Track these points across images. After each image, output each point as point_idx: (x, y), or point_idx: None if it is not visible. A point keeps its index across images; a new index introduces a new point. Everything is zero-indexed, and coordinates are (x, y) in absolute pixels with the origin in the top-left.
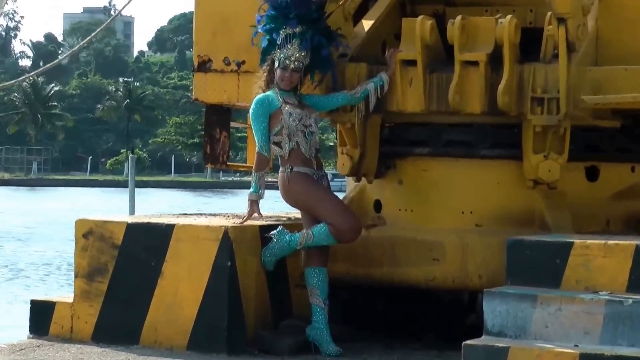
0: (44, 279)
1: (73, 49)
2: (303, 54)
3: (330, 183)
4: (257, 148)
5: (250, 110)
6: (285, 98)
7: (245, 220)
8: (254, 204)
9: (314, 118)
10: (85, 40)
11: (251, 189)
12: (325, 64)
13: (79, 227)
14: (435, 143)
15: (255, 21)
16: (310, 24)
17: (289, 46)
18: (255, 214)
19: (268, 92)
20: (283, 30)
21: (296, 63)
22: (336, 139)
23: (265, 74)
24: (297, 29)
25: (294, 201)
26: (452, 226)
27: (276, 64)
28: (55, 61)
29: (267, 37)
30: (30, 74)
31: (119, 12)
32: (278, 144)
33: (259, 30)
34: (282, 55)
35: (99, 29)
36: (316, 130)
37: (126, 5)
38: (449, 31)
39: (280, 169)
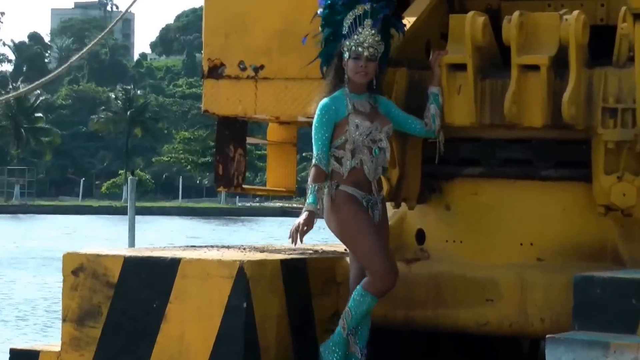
0: (26, 319)
1: (72, 59)
2: (377, 38)
3: None
4: (314, 160)
5: (315, 116)
6: (355, 103)
7: (296, 232)
8: (311, 214)
9: (386, 132)
10: (87, 47)
11: (309, 200)
12: (384, 58)
13: (67, 262)
14: (489, 162)
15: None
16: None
17: (359, 30)
18: (306, 227)
19: (336, 94)
20: (351, 13)
21: (371, 50)
22: None
23: (331, 74)
24: (367, 6)
25: (332, 228)
26: (509, 261)
27: (345, 55)
28: (53, 73)
29: (329, 27)
30: (20, 92)
31: (124, 14)
32: (339, 160)
33: (318, 14)
34: (352, 42)
35: (102, 35)
36: (387, 146)
37: (132, 5)
38: (505, 30)
39: (327, 183)
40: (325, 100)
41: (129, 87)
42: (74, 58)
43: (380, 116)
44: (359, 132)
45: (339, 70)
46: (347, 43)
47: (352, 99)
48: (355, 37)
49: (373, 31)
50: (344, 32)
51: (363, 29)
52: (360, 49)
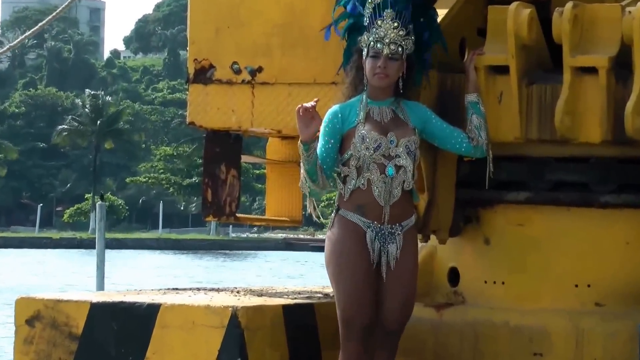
0: None
1: (12, 43)
2: (402, 32)
3: None
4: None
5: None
6: (371, 111)
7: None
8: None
9: (406, 146)
10: (33, 30)
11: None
12: (421, 61)
13: (21, 309)
14: (537, 185)
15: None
16: None
17: (378, 22)
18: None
19: (353, 99)
20: (370, 0)
21: (392, 47)
22: None
23: (351, 73)
24: None
25: (325, 262)
26: (562, 306)
27: (364, 53)
28: None
29: (350, 18)
30: None
31: None
32: (344, 179)
33: (339, 5)
34: (371, 37)
35: (57, 11)
36: (408, 164)
37: None
38: (556, 24)
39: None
40: (334, 107)
41: (97, 92)
42: (14, 42)
43: (403, 127)
44: (364, 145)
45: (360, 70)
46: (366, 38)
47: (369, 106)
48: (375, 30)
49: (395, 24)
50: (365, 23)
51: (383, 21)
52: (379, 45)
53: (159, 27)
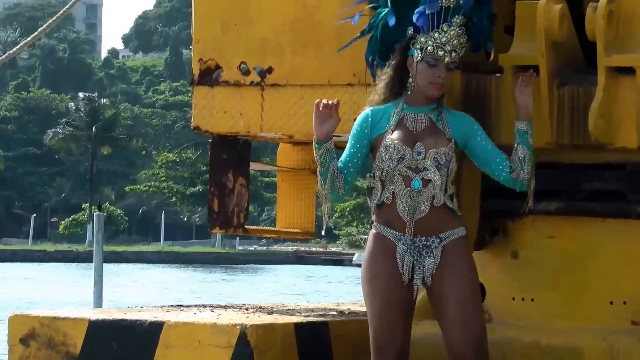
0: None
1: (11, 52)
2: (463, 40)
3: None
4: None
5: None
6: (406, 117)
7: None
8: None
9: (435, 158)
10: (32, 36)
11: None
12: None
13: (15, 327)
14: (569, 195)
15: None
16: None
17: (444, 27)
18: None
19: (389, 104)
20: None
21: (453, 55)
22: None
23: (388, 73)
24: None
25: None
26: (595, 324)
27: (416, 55)
28: None
29: (392, 12)
30: None
31: None
32: (370, 190)
33: None
34: (430, 41)
35: (57, 17)
36: (436, 178)
37: None
38: (589, 21)
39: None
40: (367, 110)
41: (94, 95)
42: (11, 51)
43: (437, 137)
44: (388, 155)
45: (401, 72)
46: (422, 40)
47: (404, 111)
48: (437, 35)
49: (461, 31)
50: (417, 20)
51: (449, 27)
52: (440, 52)
53: (160, 25)
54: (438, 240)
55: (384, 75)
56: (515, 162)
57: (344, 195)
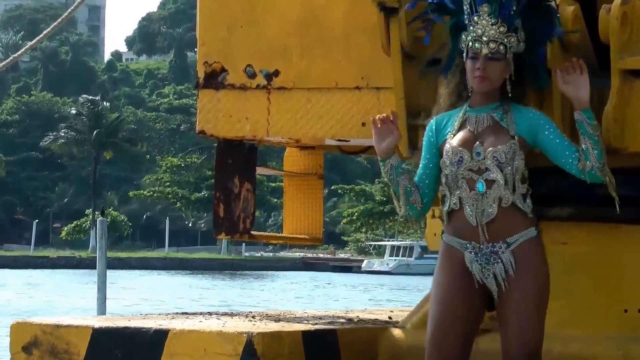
0: None
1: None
2: (502, 28)
3: (415, 261)
4: None
5: None
6: (469, 119)
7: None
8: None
9: (494, 157)
10: (36, 39)
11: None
12: (538, 67)
13: (17, 335)
14: (582, 200)
15: None
16: None
17: (475, 19)
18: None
19: (455, 109)
20: None
21: (492, 45)
22: None
23: (455, 79)
24: None
25: None
26: (609, 332)
27: (464, 55)
28: None
29: (451, 13)
30: None
31: None
32: (442, 198)
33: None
34: (469, 37)
35: (62, 19)
36: (499, 178)
37: None
38: (603, 23)
39: None
40: (431, 119)
41: (97, 98)
42: (16, 54)
43: (499, 136)
44: (449, 159)
45: (464, 74)
46: (464, 37)
47: (467, 114)
48: (472, 28)
49: (494, 20)
50: (465, 21)
51: (479, 17)
52: (477, 44)
53: (165, 26)
54: (505, 245)
55: (451, 82)
56: (580, 154)
57: (427, 208)
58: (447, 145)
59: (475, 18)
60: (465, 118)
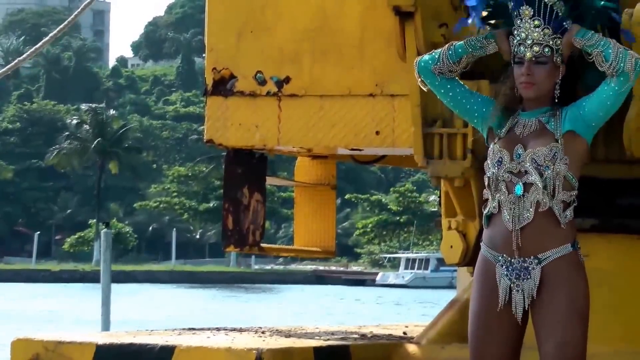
0: None
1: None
2: (547, 30)
3: (432, 274)
4: None
5: None
6: (518, 124)
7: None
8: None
9: (532, 159)
10: (39, 45)
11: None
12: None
13: (17, 352)
14: (604, 211)
15: None
16: None
17: (518, 22)
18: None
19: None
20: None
21: (536, 48)
22: (439, 204)
23: (510, 82)
24: None
25: None
26: (633, 347)
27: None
28: None
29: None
30: None
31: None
32: (485, 202)
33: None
34: (514, 41)
35: (66, 23)
36: (537, 181)
37: None
38: (624, 27)
39: None
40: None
41: (101, 106)
42: (21, 58)
43: (542, 138)
44: (489, 160)
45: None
46: (511, 40)
47: (517, 118)
48: (516, 33)
49: (537, 22)
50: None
51: (521, 20)
52: (522, 48)
53: (172, 32)
54: (536, 261)
55: (505, 86)
56: (604, 66)
57: (432, 77)
58: (491, 147)
59: (518, 21)
60: (515, 122)
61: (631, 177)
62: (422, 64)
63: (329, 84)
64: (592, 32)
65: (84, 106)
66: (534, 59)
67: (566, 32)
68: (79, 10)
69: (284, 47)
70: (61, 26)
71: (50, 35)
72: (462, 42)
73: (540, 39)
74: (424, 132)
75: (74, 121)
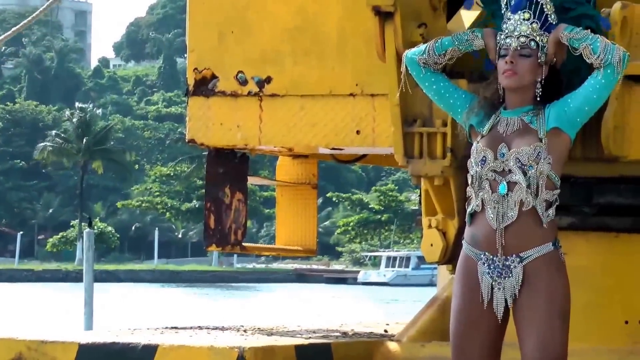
0: None
1: None
2: (536, 25)
3: (413, 272)
4: None
5: None
6: (501, 122)
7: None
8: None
9: (516, 156)
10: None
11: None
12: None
13: (1, 350)
14: (581, 210)
15: None
16: None
17: (508, 15)
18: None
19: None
20: None
21: (522, 39)
22: (419, 203)
23: (489, 89)
24: None
25: None
26: (610, 344)
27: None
28: None
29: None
30: None
31: None
32: (468, 201)
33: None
34: (502, 35)
35: (37, 12)
36: (521, 180)
37: None
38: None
39: None
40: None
41: (84, 106)
42: None
43: (526, 137)
44: (473, 159)
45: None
46: (498, 37)
47: (499, 116)
48: (504, 26)
49: (526, 15)
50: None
51: (511, 14)
52: (509, 40)
53: (153, 32)
54: (518, 259)
55: (483, 91)
56: (591, 60)
57: (418, 69)
58: (474, 145)
59: (508, 14)
60: (497, 120)
61: (609, 176)
62: (410, 55)
63: (309, 84)
64: (580, 27)
65: (69, 107)
66: (519, 48)
67: (553, 30)
68: (46, 4)
69: (266, 47)
70: (29, 17)
71: (19, 25)
72: (449, 36)
73: (528, 32)
74: (404, 131)
75: (64, 117)
